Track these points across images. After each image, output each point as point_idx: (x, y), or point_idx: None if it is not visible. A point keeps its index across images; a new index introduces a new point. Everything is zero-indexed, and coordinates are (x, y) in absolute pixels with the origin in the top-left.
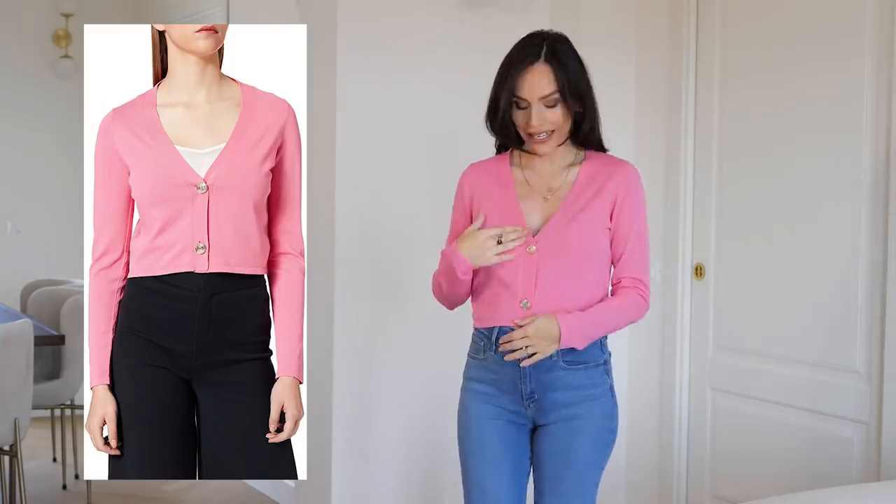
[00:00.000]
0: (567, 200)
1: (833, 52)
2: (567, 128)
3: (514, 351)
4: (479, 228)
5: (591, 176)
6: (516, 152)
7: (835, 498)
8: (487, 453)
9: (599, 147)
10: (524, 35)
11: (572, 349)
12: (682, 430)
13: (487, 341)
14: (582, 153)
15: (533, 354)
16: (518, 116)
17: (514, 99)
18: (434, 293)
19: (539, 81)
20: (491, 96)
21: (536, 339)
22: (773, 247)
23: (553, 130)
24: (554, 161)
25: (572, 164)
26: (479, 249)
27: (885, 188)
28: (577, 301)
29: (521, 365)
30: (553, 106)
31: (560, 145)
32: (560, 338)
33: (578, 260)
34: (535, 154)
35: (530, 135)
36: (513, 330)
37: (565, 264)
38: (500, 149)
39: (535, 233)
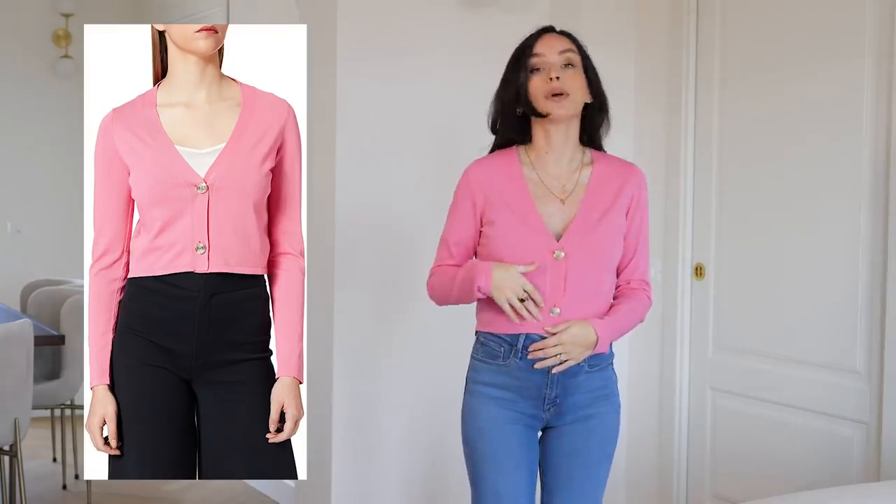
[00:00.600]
0: (586, 202)
1: (833, 52)
2: (582, 100)
3: (544, 358)
4: (523, 273)
5: (606, 177)
6: (523, 150)
7: (835, 498)
8: (506, 459)
9: (600, 147)
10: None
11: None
12: (682, 430)
13: (510, 347)
14: (588, 154)
15: (564, 361)
16: (535, 83)
17: (531, 61)
18: (430, 288)
19: (556, 41)
20: (499, 87)
21: (571, 347)
22: (773, 247)
23: (570, 95)
24: (562, 161)
25: (583, 165)
26: (507, 290)
27: (885, 188)
28: (599, 305)
29: (551, 372)
30: (570, 65)
31: (570, 142)
32: (597, 344)
33: (601, 262)
34: (551, 118)
35: (546, 99)
36: (542, 337)
37: (591, 268)
38: (497, 146)
39: (559, 237)
